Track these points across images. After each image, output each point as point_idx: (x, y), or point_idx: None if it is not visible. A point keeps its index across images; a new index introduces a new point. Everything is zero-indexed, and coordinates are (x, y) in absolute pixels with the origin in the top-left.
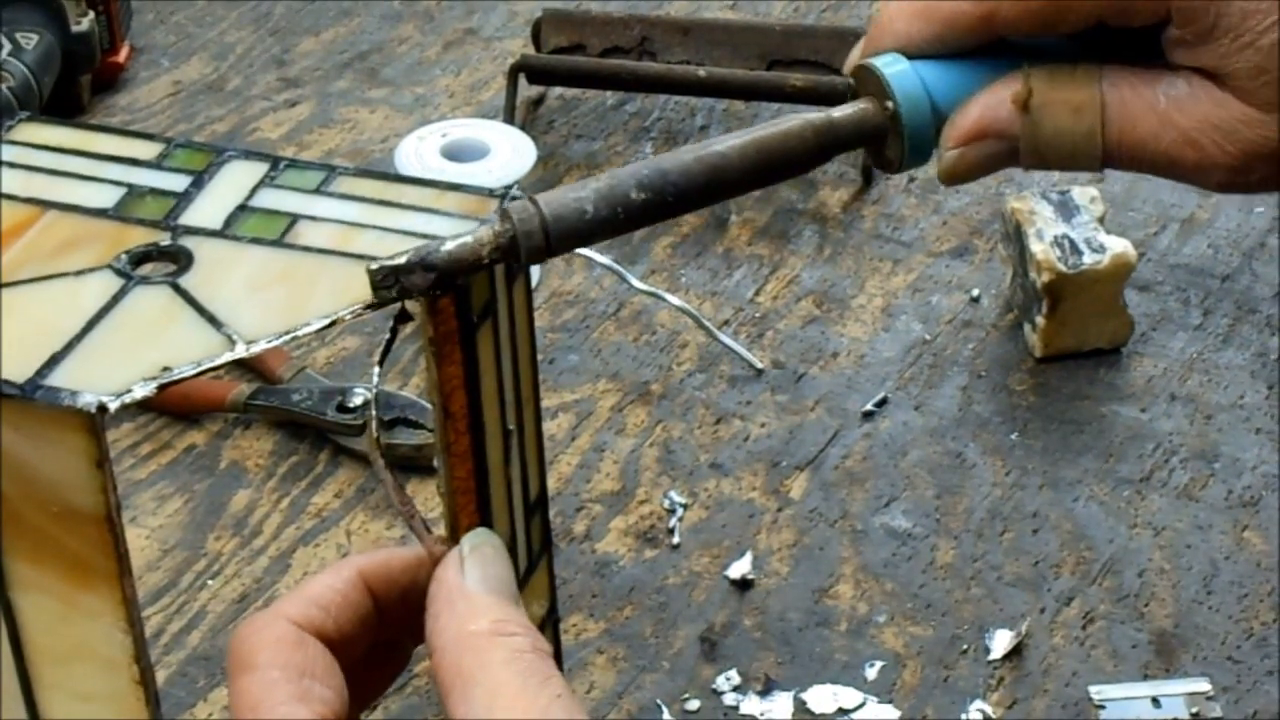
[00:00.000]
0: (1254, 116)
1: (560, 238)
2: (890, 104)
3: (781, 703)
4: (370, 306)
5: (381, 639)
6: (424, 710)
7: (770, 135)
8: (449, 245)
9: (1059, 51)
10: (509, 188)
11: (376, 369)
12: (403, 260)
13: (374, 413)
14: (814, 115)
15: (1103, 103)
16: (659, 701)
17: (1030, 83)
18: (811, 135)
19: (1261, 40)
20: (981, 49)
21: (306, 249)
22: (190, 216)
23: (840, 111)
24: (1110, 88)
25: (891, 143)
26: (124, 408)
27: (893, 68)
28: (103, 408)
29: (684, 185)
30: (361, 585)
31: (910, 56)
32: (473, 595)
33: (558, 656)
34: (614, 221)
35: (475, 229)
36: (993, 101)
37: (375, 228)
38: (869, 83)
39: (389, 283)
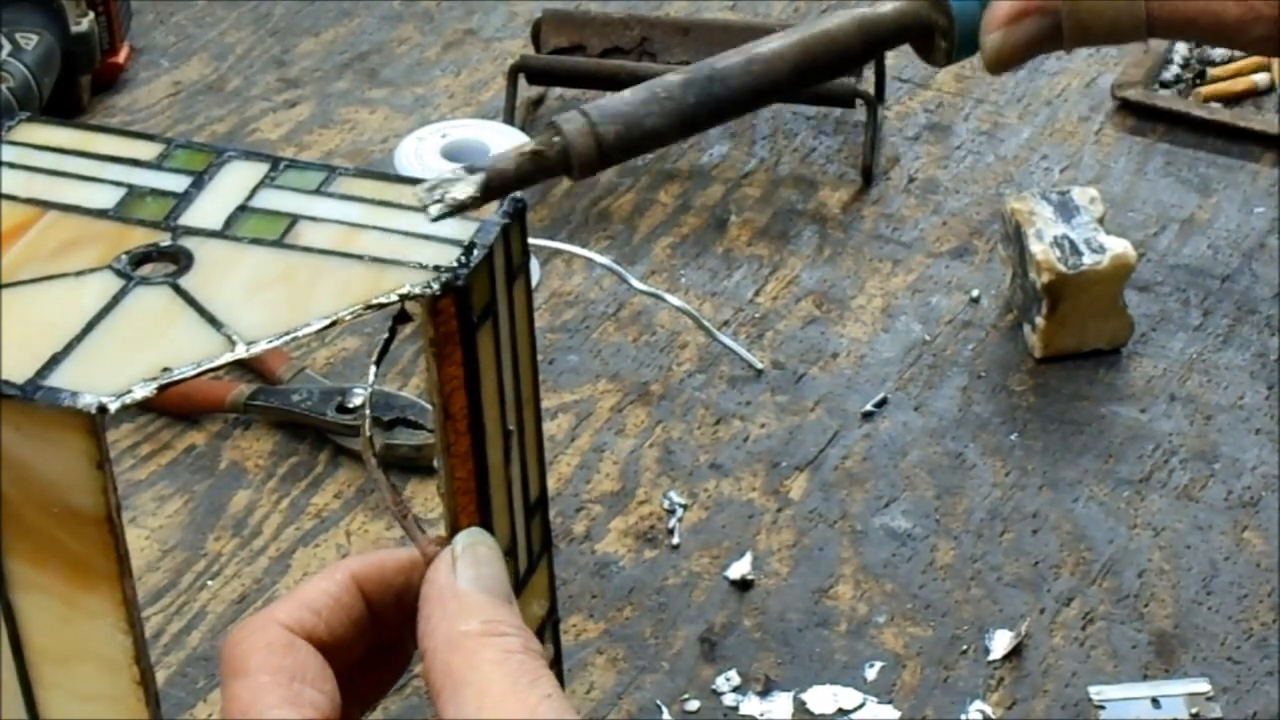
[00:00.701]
0: None
1: (612, 142)
2: None
3: (781, 703)
4: (370, 307)
5: (378, 641)
6: (424, 710)
7: (814, 35)
8: (496, 162)
9: None
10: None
11: (373, 369)
12: (451, 176)
13: (368, 412)
14: (858, 10)
15: None
16: (659, 702)
17: None
18: (856, 30)
19: None
20: None
21: (307, 249)
22: (190, 217)
23: (885, 5)
24: None
25: (939, 34)
26: (124, 408)
27: None
28: (103, 408)
29: (734, 84)
30: (354, 588)
31: None
32: (464, 595)
33: (558, 657)
34: (664, 117)
35: (525, 143)
36: None
37: (375, 228)
38: None
39: (438, 196)
